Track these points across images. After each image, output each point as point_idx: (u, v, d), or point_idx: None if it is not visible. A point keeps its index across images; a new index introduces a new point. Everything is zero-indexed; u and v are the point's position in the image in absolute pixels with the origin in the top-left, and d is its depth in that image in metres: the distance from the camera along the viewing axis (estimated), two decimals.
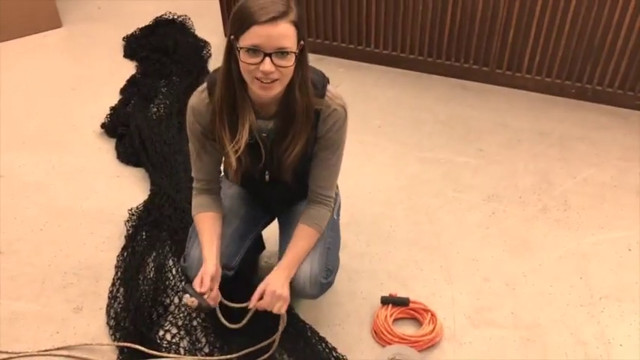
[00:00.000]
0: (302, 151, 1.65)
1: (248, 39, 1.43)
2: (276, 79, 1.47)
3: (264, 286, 1.64)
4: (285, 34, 1.43)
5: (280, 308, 1.64)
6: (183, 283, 1.72)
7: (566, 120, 3.14)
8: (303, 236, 1.73)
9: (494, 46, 3.37)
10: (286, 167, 1.68)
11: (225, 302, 1.69)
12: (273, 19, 1.40)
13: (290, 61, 1.47)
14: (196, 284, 1.59)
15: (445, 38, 3.46)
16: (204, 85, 1.66)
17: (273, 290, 1.62)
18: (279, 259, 1.76)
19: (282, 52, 1.44)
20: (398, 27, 3.55)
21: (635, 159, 2.81)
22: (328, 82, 1.67)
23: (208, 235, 1.73)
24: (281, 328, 1.73)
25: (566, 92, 3.33)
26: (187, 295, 1.57)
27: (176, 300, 2.01)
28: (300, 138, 1.62)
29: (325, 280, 1.77)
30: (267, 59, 1.43)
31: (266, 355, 1.78)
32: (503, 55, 3.38)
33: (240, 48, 1.44)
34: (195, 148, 1.73)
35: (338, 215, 1.95)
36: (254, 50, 1.43)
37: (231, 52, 1.51)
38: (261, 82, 1.47)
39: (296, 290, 1.74)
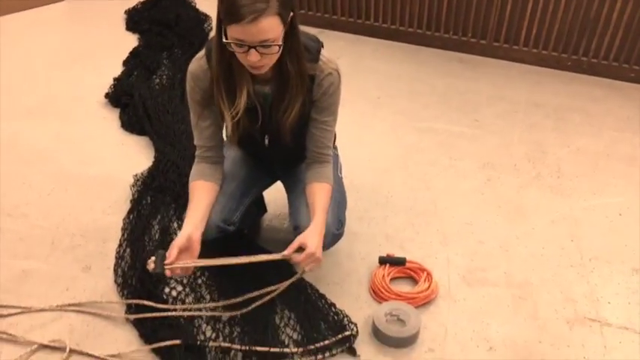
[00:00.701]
0: (299, 113, 1.71)
1: (232, 32, 1.47)
2: (265, 62, 1.54)
3: (302, 240, 1.65)
4: (266, 29, 1.46)
5: (312, 268, 1.69)
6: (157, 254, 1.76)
7: (561, 92, 3.20)
8: (323, 193, 1.78)
9: (491, 20, 3.42)
10: (285, 130, 1.75)
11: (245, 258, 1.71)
12: (254, 20, 1.43)
13: (275, 49, 1.52)
14: (172, 252, 1.61)
15: (443, 12, 3.51)
16: (203, 51, 1.71)
17: (312, 252, 1.64)
18: (290, 214, 1.87)
19: (265, 45, 1.49)
20: (397, 0, 3.59)
21: (628, 129, 2.88)
22: (322, 46, 1.73)
23: (195, 203, 1.76)
24: (294, 279, 1.77)
25: (562, 65, 3.39)
26: (151, 261, 1.61)
27: (167, 278, 2.05)
28: (296, 101, 1.69)
29: (337, 231, 1.85)
30: (252, 50, 1.48)
31: (269, 296, 1.79)
32: (500, 28, 3.43)
33: (228, 35, 1.49)
34: (196, 113, 1.78)
35: (341, 173, 2.03)
36: (239, 44, 1.48)
37: (222, 26, 1.54)
38: (250, 65, 1.54)
39: None
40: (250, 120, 1.74)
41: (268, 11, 1.44)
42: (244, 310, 1.81)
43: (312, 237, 1.67)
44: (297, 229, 1.82)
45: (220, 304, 1.86)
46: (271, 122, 1.76)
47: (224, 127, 1.85)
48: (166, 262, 1.60)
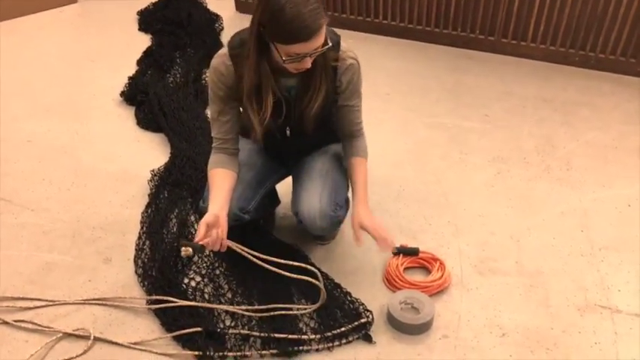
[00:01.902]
0: (323, 102, 1.80)
1: (293, 49, 1.57)
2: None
3: (358, 222, 1.84)
4: (322, 37, 1.59)
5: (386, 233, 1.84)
6: (181, 240, 1.82)
7: (569, 87, 3.24)
8: (361, 169, 1.95)
9: (499, 16, 3.46)
10: (308, 120, 1.83)
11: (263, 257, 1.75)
12: (318, 35, 1.55)
13: (321, 49, 1.62)
14: (201, 230, 1.68)
15: (452, 9, 3.55)
16: (226, 48, 1.78)
17: (371, 226, 1.83)
18: (292, 201, 1.97)
19: (319, 51, 1.61)
20: None
21: (636, 122, 2.91)
22: (340, 38, 1.80)
23: (217, 187, 1.83)
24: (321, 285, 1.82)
25: (569, 60, 3.42)
26: (183, 248, 1.66)
27: (207, 251, 2.11)
28: (321, 90, 1.77)
29: (334, 213, 1.91)
30: (308, 58, 1.61)
31: (314, 306, 1.84)
32: (508, 25, 3.47)
33: (283, 57, 1.59)
34: (217, 106, 1.85)
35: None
36: (297, 57, 1.59)
37: (260, 43, 1.62)
38: (298, 69, 1.65)
39: (307, 223, 1.90)
40: (275, 115, 1.81)
41: (324, 23, 1.56)
42: (265, 315, 1.86)
43: (362, 215, 1.85)
44: (296, 215, 1.94)
45: (243, 308, 1.89)
46: (295, 114, 1.83)
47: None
48: (197, 239, 1.66)
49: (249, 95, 1.73)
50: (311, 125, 1.84)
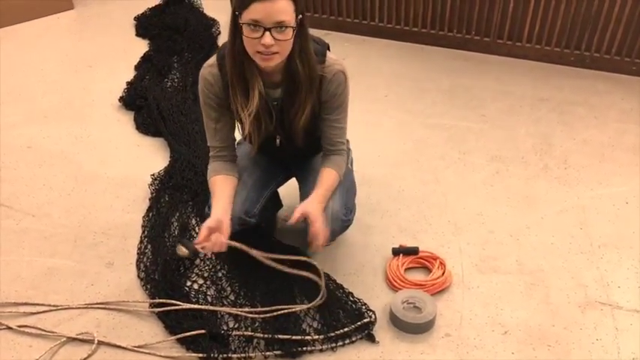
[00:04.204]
0: (310, 114, 1.80)
1: (249, 14, 1.57)
2: (276, 52, 1.62)
3: (303, 209, 1.76)
4: (283, 9, 1.57)
5: (323, 241, 1.79)
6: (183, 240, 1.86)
7: (565, 86, 3.26)
8: (328, 177, 1.87)
9: (494, 17, 3.48)
10: (297, 132, 1.85)
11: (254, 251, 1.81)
12: None
13: (288, 35, 1.61)
14: (203, 232, 1.71)
15: (447, 10, 3.58)
16: (214, 58, 1.80)
17: (315, 216, 1.76)
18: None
19: (280, 27, 1.58)
20: (401, 1, 3.66)
21: (632, 121, 2.94)
22: (328, 48, 1.82)
23: (219, 193, 1.85)
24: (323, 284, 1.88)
25: (565, 60, 3.45)
26: (179, 246, 1.72)
27: (201, 254, 2.13)
28: (307, 103, 1.78)
29: (345, 217, 1.92)
30: (267, 33, 1.58)
31: (313, 304, 1.88)
32: (503, 26, 3.49)
33: (243, 23, 1.59)
34: (209, 116, 1.87)
35: (352, 165, 2.10)
36: (254, 25, 1.58)
37: (235, 27, 1.64)
38: (262, 54, 1.62)
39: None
40: (265, 124, 1.82)
41: None
42: (268, 315, 1.87)
43: (311, 204, 1.77)
44: (305, 219, 1.90)
45: (246, 310, 1.90)
46: (283, 125, 1.84)
47: (237, 128, 1.93)
48: (197, 241, 1.70)
49: (232, 84, 1.73)
50: (300, 136, 1.85)
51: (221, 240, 1.72)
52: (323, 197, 1.84)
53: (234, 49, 1.67)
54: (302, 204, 1.79)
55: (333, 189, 1.88)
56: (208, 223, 1.71)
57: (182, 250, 1.71)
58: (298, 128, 1.82)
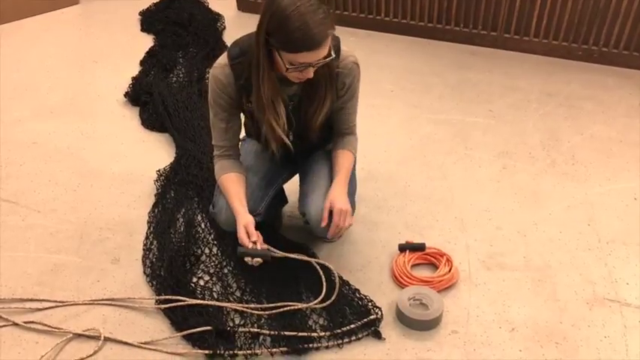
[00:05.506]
0: (329, 111, 1.82)
1: (298, 58, 1.56)
2: None
3: (329, 204, 1.80)
4: (327, 47, 1.58)
5: (349, 221, 1.83)
6: (238, 249, 1.83)
7: (573, 81, 3.24)
8: (345, 158, 1.92)
9: (502, 11, 3.46)
10: (313, 129, 1.85)
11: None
12: (322, 45, 1.54)
13: (324, 59, 1.61)
14: (242, 235, 1.75)
15: (454, 5, 3.56)
16: (225, 59, 1.78)
17: (340, 208, 1.79)
18: (299, 201, 1.97)
19: (323, 60, 1.60)
20: None
21: None
22: (339, 41, 1.81)
23: (235, 191, 1.86)
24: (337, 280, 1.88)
25: (573, 55, 3.42)
26: (249, 259, 1.77)
27: (207, 251, 2.13)
28: (327, 100, 1.79)
29: None
30: (310, 68, 1.61)
31: (324, 304, 1.86)
32: (511, 20, 3.47)
33: (287, 62, 1.58)
34: (218, 116, 1.86)
35: (354, 164, 2.08)
36: (302, 66, 1.59)
37: (265, 49, 1.61)
38: (299, 77, 1.64)
39: (315, 225, 1.90)
40: (283, 121, 1.82)
41: (331, 32, 1.56)
42: (274, 312, 1.86)
43: (336, 196, 1.80)
44: (303, 215, 1.94)
45: (252, 306, 1.89)
46: (299, 122, 1.83)
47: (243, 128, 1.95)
48: (244, 242, 1.77)
49: (268, 106, 1.72)
50: (315, 133, 1.87)
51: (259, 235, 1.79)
52: (344, 182, 1.88)
53: (272, 77, 1.68)
54: (328, 197, 1.83)
55: (351, 168, 1.94)
56: (251, 219, 1.78)
57: (255, 261, 1.78)
58: (315, 125, 1.83)
